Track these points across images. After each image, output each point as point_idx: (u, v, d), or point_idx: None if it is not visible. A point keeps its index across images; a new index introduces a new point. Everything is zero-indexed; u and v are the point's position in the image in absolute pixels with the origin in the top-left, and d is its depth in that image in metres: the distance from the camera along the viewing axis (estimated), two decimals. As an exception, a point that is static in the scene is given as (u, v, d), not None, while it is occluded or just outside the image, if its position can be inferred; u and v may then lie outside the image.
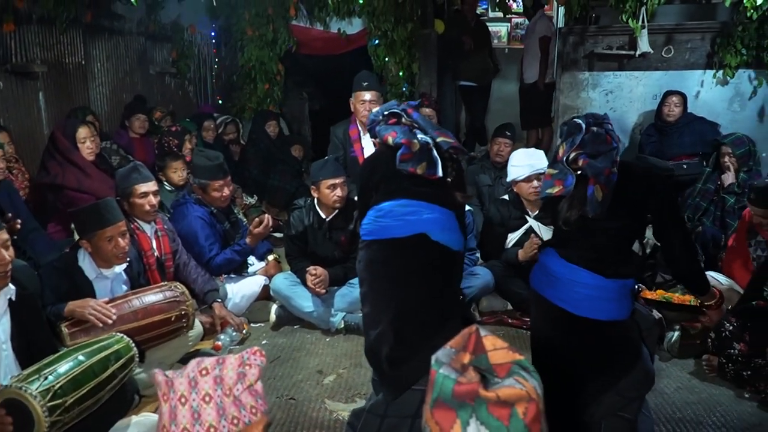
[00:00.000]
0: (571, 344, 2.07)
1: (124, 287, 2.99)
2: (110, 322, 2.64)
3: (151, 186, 3.33)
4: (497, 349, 1.09)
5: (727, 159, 4.34)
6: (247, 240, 3.82)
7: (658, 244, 2.22)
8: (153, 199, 3.32)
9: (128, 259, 2.95)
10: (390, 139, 2.06)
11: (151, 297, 2.86)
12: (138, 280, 3.10)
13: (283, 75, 6.87)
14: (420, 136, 2.04)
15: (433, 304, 1.98)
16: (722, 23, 5.60)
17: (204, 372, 1.33)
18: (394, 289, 1.99)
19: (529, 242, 3.70)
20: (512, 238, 3.93)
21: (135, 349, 2.41)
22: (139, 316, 2.78)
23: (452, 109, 7.51)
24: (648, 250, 3.23)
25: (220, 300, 3.57)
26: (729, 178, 4.28)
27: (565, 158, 2.06)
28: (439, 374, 1.03)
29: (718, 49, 5.54)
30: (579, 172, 2.05)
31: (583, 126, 2.07)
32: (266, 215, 3.96)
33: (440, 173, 2.00)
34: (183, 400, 1.31)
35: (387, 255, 2.01)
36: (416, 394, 1.88)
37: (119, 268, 2.92)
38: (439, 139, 2.06)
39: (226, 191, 3.81)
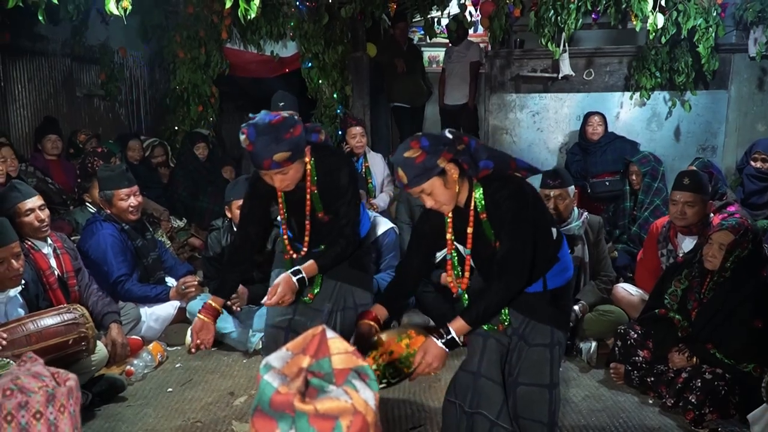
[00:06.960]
0: None
1: (21, 311, 2.86)
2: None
3: (35, 201, 3.15)
4: (342, 352, 1.05)
5: (634, 177, 4.64)
6: (171, 293, 3.72)
7: None
8: (41, 214, 3.14)
9: (23, 281, 2.84)
10: None
11: (47, 320, 2.74)
12: (37, 302, 2.96)
13: (218, 97, 6.80)
14: None
15: None
16: (637, 47, 5.85)
17: None
18: None
19: None
20: (439, 256, 3.95)
21: (21, 373, 2.30)
22: (32, 340, 2.65)
23: (387, 129, 7.59)
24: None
25: (119, 321, 3.37)
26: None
27: None
28: (263, 380, 1.00)
29: (634, 72, 5.77)
30: None
31: None
32: (195, 280, 3.79)
33: None
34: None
35: None
36: None
37: (14, 291, 2.79)
38: None
39: (134, 201, 3.66)
